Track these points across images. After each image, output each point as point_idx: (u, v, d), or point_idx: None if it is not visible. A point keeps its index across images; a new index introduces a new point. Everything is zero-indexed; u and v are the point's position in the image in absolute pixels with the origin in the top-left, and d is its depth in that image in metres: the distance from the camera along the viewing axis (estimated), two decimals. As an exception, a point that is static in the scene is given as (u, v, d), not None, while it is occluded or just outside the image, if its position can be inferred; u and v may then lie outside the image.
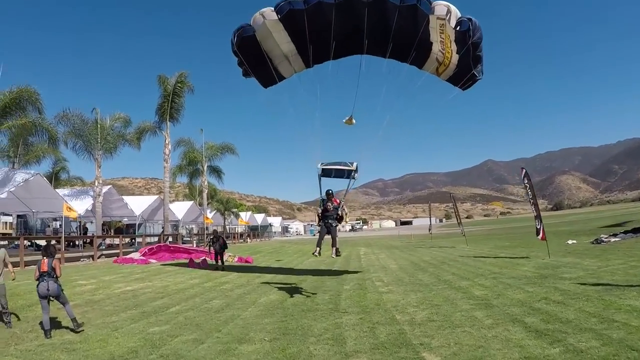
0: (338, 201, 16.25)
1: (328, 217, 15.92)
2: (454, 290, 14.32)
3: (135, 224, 51.87)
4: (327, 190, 16.20)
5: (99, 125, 36.79)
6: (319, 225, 16.30)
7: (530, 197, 24.20)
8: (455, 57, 14.94)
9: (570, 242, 29.88)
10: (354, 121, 16.45)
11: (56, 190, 38.61)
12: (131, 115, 42.79)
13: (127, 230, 55.34)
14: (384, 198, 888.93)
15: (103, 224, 55.55)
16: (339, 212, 16.06)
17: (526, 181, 24.16)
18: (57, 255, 12.40)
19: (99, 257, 30.84)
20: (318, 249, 15.93)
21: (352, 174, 16.65)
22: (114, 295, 15.72)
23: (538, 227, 24.12)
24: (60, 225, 45.14)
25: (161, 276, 21.19)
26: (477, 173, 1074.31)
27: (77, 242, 38.19)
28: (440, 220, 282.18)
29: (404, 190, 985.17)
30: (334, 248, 16.18)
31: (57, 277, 10.30)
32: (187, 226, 72.10)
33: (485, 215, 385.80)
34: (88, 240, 37.50)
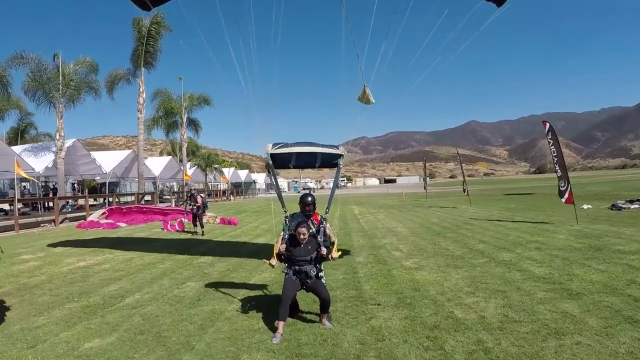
0: (319, 219, 8.31)
1: (300, 260, 7.46)
2: (503, 267, 11.19)
3: (112, 182, 48.07)
4: (304, 198, 8.34)
5: (60, 70, 32.36)
6: (279, 267, 8.17)
7: (555, 155, 20.76)
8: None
9: (585, 206, 27.07)
10: (372, 99, 9.89)
11: (13, 147, 34.59)
12: (104, 65, 38.95)
13: (101, 189, 51.48)
14: (367, 156, 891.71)
15: (77, 183, 51.82)
16: (321, 247, 7.57)
17: (550, 136, 20.73)
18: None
19: (61, 222, 27.13)
20: (282, 323, 7.00)
21: (338, 160, 8.84)
22: (59, 277, 12.09)
23: (563, 188, 20.78)
24: (24, 187, 41.31)
25: (126, 245, 17.50)
26: (460, 133, 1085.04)
27: (47, 204, 34.58)
28: (424, 180, 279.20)
29: (387, 148, 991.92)
30: (325, 318, 7.47)
31: None
32: (167, 184, 68.36)
33: (469, 176, 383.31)
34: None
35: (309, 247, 7.49)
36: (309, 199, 8.35)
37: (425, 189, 56.07)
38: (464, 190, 38.58)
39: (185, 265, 13.12)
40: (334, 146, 8.72)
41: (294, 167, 10.14)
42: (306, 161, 9.74)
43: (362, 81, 10.01)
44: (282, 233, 8.01)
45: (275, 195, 9.00)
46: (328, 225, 8.27)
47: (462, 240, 16.08)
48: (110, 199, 38.18)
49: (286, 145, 8.50)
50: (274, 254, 7.68)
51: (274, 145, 8.44)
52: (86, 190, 52.81)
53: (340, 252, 8.00)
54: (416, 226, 21.78)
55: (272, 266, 7.81)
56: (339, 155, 8.75)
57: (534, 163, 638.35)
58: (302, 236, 7.41)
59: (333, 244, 7.91)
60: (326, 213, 8.33)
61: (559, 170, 20.88)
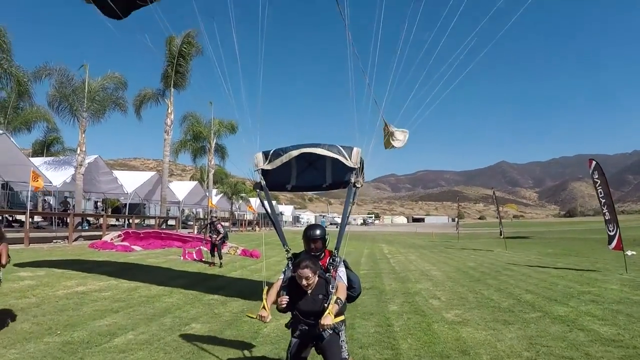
0: (326, 262, 5.63)
1: (308, 315, 5.17)
2: (561, 324, 9.49)
3: (135, 203, 47.09)
4: (309, 231, 5.88)
5: (86, 84, 31.50)
6: (283, 317, 5.70)
7: (602, 195, 18.96)
8: None
9: (629, 253, 25.09)
10: (401, 137, 7.08)
11: (34, 158, 33.90)
12: (132, 84, 38.21)
13: (124, 210, 50.58)
14: (395, 193, 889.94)
15: (101, 202, 51.04)
16: (328, 300, 5.09)
17: (596, 176, 18.97)
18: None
19: (75, 240, 25.98)
20: None
21: (353, 176, 6.11)
22: (50, 301, 10.69)
23: (612, 233, 18.90)
24: (45, 200, 40.39)
25: (135, 272, 16.04)
26: (490, 174, 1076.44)
27: (66, 220, 33.71)
28: (453, 220, 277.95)
29: (416, 186, 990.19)
30: None
31: None
32: (194, 210, 67.32)
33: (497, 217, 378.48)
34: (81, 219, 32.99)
35: (319, 295, 5.13)
36: (317, 232, 5.78)
37: (457, 230, 54.46)
38: (500, 233, 36.92)
39: (194, 302, 11.54)
40: (347, 148, 5.97)
41: (294, 189, 7.54)
42: (311, 180, 7.32)
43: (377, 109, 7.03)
44: (281, 276, 5.55)
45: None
46: (342, 270, 5.46)
47: (505, 289, 14.31)
48: (130, 220, 37.00)
49: (282, 151, 6.19)
50: (265, 303, 5.09)
51: (265, 154, 6.31)
52: (109, 210, 51.96)
53: (342, 318, 5.09)
54: (452, 270, 20.07)
55: (262, 320, 4.99)
56: (351, 169, 6.00)
57: (564, 206, 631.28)
58: (304, 282, 5.02)
59: (339, 303, 4.96)
60: (335, 252, 5.61)
61: (607, 213, 19.02)
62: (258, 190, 6.46)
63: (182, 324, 9.26)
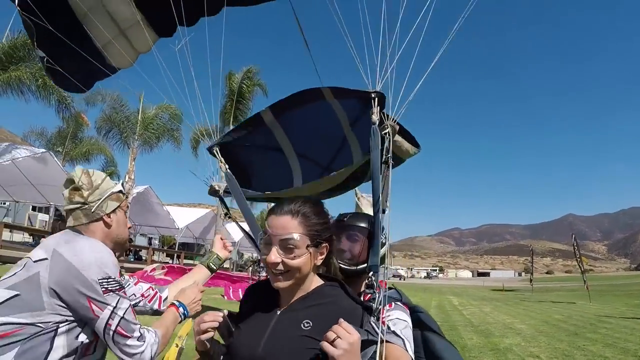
0: (375, 297, 2.07)
1: None
2: None
3: (190, 243, 45.70)
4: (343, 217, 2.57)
5: (140, 111, 30.62)
6: None
7: None
8: None
9: None
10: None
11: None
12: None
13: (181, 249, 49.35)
14: (459, 247, 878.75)
15: (157, 239, 49.95)
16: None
17: None
18: None
19: (116, 273, 24.14)
20: None
21: (374, 111, 2.53)
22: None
23: None
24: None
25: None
26: (556, 227, 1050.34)
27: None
28: (520, 274, 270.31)
29: (481, 240, 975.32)
30: None
31: None
32: (252, 254, 65.78)
33: (566, 272, 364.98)
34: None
35: (308, 341, 1.70)
36: (359, 222, 2.47)
37: (531, 282, 52.46)
38: (584, 282, 33.97)
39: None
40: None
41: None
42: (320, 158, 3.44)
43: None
44: None
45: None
46: (401, 318, 2.15)
47: (615, 344, 11.64)
48: (179, 259, 35.33)
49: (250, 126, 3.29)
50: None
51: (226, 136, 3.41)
52: (165, 247, 50.91)
53: None
54: (539, 323, 17.13)
55: None
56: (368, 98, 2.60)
57: (635, 259, 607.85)
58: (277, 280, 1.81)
59: None
60: (372, 278, 2.23)
61: None
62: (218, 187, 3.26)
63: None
